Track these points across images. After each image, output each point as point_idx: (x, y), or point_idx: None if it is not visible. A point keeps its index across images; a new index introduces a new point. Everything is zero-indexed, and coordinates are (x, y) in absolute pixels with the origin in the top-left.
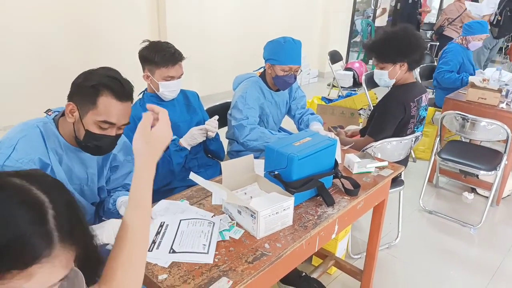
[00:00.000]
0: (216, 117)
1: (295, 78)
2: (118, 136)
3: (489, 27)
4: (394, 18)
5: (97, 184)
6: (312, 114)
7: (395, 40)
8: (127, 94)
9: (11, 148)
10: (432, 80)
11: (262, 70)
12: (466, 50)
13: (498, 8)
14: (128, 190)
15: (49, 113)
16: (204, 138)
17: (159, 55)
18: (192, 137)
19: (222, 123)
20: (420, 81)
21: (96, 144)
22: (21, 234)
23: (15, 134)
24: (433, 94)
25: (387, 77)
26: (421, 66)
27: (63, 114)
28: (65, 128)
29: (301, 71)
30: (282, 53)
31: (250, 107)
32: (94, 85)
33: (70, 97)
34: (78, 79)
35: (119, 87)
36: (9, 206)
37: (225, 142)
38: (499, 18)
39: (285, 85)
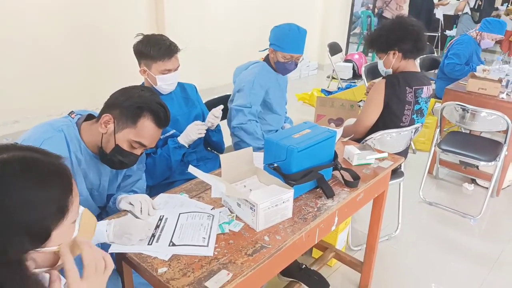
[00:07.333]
0: (221, 106)
1: (296, 65)
2: (140, 155)
3: (470, 13)
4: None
5: (108, 191)
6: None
7: (384, 30)
8: (167, 123)
9: None
10: (432, 71)
11: (265, 54)
12: (477, 45)
13: None
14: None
15: (72, 116)
16: (199, 136)
17: (155, 49)
18: (187, 136)
19: (224, 115)
20: (424, 73)
21: (121, 160)
22: None
23: (41, 134)
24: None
25: (383, 66)
26: (420, 57)
27: (86, 119)
28: (88, 134)
29: (303, 59)
30: (286, 41)
31: (255, 92)
32: (140, 106)
33: (108, 109)
34: (121, 97)
35: (163, 114)
36: None
37: (226, 135)
38: (480, 3)
39: (285, 71)
